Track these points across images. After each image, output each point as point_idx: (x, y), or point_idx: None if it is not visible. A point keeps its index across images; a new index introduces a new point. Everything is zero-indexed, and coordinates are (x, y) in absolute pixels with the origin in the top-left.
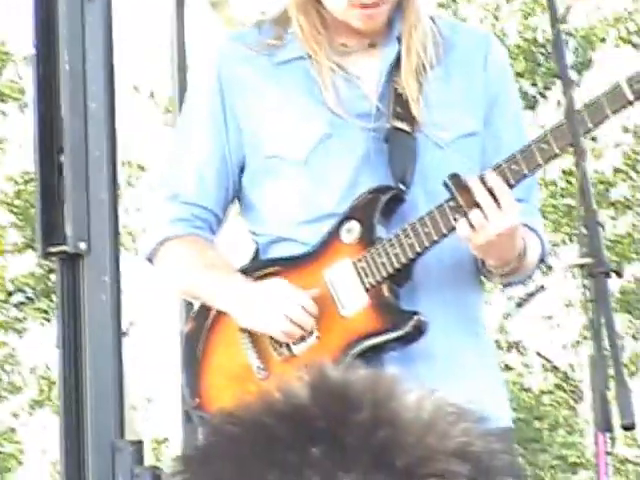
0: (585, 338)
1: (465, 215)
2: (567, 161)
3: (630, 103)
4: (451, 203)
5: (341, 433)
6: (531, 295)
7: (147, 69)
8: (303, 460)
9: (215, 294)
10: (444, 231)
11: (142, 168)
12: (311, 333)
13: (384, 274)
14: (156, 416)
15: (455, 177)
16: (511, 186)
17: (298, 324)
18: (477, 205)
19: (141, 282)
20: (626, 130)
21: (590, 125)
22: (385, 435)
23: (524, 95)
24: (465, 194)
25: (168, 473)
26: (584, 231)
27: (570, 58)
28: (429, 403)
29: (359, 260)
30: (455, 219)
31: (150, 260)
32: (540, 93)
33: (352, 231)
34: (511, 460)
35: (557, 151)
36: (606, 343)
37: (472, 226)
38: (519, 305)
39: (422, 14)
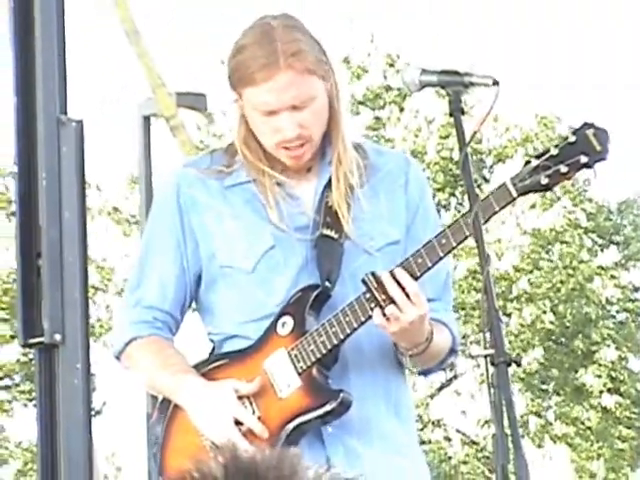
0: None
1: (380, 306)
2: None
3: (514, 199)
4: (367, 295)
5: None
6: (450, 380)
7: (115, 188)
8: None
9: (171, 391)
10: (362, 319)
11: (112, 270)
12: (253, 413)
13: (313, 359)
14: None
15: (372, 275)
16: (417, 277)
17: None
18: (392, 300)
19: (113, 368)
20: (524, 232)
21: (482, 219)
22: None
23: (445, 205)
24: (381, 289)
25: None
26: (488, 326)
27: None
28: (326, 478)
29: (292, 349)
30: (371, 308)
31: (118, 358)
32: (459, 203)
33: (286, 325)
34: None
35: (454, 244)
36: (507, 423)
37: (387, 317)
38: (440, 388)
39: (347, 144)
